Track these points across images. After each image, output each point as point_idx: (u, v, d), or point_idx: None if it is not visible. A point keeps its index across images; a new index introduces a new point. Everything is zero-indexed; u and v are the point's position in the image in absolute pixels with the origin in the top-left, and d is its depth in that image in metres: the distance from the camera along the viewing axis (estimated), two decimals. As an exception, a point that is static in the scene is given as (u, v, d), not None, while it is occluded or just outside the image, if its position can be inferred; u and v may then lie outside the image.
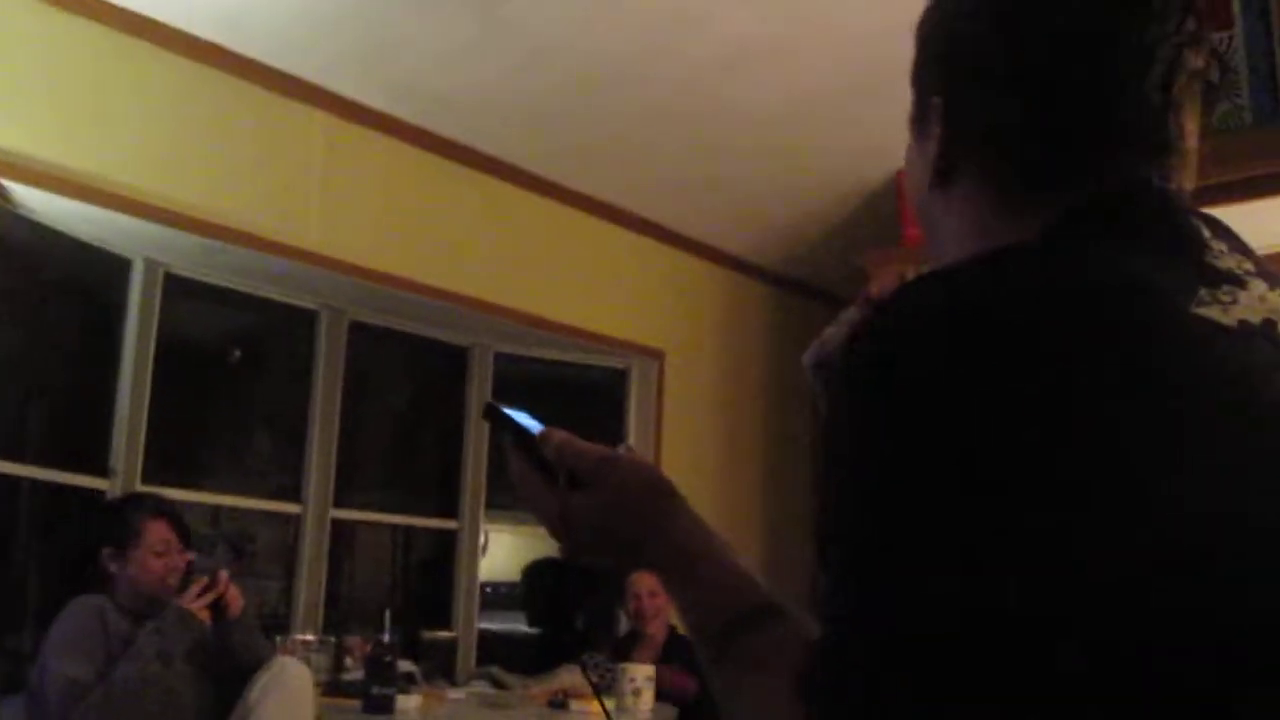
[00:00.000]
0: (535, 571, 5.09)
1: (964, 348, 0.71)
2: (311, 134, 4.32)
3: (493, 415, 1.03)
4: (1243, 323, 0.75)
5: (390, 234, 4.56)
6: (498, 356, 5.36)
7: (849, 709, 0.71)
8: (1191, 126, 0.85)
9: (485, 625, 5.83)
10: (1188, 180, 0.86)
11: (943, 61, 0.91)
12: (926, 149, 0.92)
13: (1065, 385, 0.68)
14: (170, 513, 3.42)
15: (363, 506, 5.06)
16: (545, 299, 5.07)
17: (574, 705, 3.83)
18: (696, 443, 5.60)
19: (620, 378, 5.65)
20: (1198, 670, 0.64)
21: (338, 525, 4.88)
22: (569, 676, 4.13)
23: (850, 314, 1.07)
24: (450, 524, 5.22)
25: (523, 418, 1.03)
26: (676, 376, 5.58)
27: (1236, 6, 1.96)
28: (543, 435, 0.99)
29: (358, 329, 4.89)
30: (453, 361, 5.30)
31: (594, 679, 4.12)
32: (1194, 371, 0.71)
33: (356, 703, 3.60)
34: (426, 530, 5.34)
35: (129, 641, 3.15)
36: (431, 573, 5.39)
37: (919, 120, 0.94)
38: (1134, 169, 0.83)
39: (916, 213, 0.98)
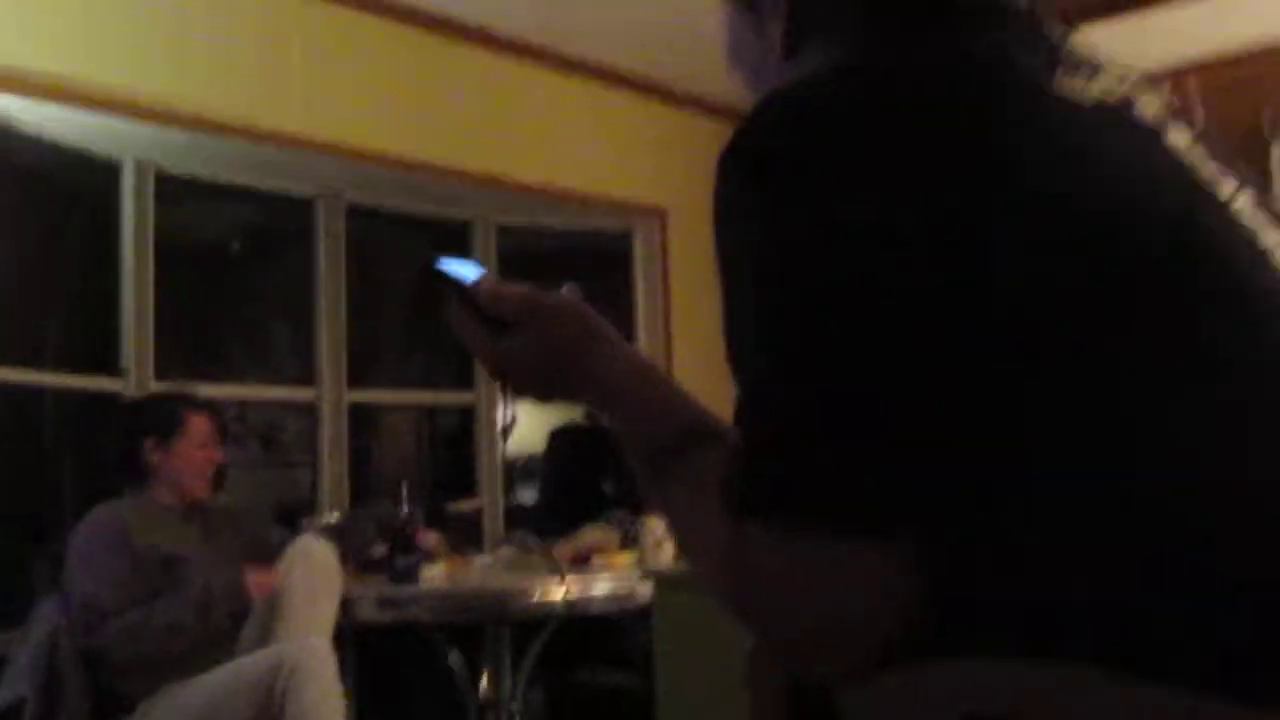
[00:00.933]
0: (557, 438, 5.14)
1: (843, 126, 0.77)
2: (292, 15, 4.27)
3: (429, 271, 1.04)
4: (1099, 100, 0.80)
5: (380, 113, 4.53)
6: (500, 229, 5.35)
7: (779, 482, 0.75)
8: None
9: (519, 500, 5.93)
10: None
11: None
12: (760, 21, 0.97)
13: (935, 149, 0.74)
14: (208, 406, 3.54)
15: (382, 387, 5.12)
16: (542, 167, 5.04)
17: (596, 560, 3.92)
18: (704, 298, 5.58)
19: (624, 240, 5.64)
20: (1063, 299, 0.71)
21: (360, 408, 4.94)
22: (592, 535, 4.20)
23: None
24: (468, 397, 5.27)
25: (461, 268, 1.04)
26: (680, 234, 5.56)
27: None
28: (476, 286, 1.01)
29: (357, 212, 4.88)
30: (455, 237, 5.30)
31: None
32: (1048, 140, 0.76)
33: (383, 577, 3.69)
34: (449, 407, 5.41)
35: (164, 554, 3.23)
36: (456, 447, 5.47)
37: None
38: None
39: (753, 81, 1.02)
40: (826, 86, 0.81)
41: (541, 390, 1.02)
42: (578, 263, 5.73)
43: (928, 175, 0.74)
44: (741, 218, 0.80)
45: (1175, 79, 2.56)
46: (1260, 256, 0.77)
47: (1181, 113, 0.85)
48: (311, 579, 3.23)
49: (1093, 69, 0.82)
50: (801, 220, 0.76)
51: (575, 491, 4.86)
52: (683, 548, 0.92)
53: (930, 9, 0.86)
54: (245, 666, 3.05)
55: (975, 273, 0.72)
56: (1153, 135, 0.81)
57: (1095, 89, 0.80)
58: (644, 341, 5.50)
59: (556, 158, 5.10)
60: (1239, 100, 3.77)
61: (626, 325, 5.58)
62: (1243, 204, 0.80)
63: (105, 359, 4.13)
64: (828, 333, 0.74)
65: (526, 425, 6.20)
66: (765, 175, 0.78)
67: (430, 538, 3.91)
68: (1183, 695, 0.65)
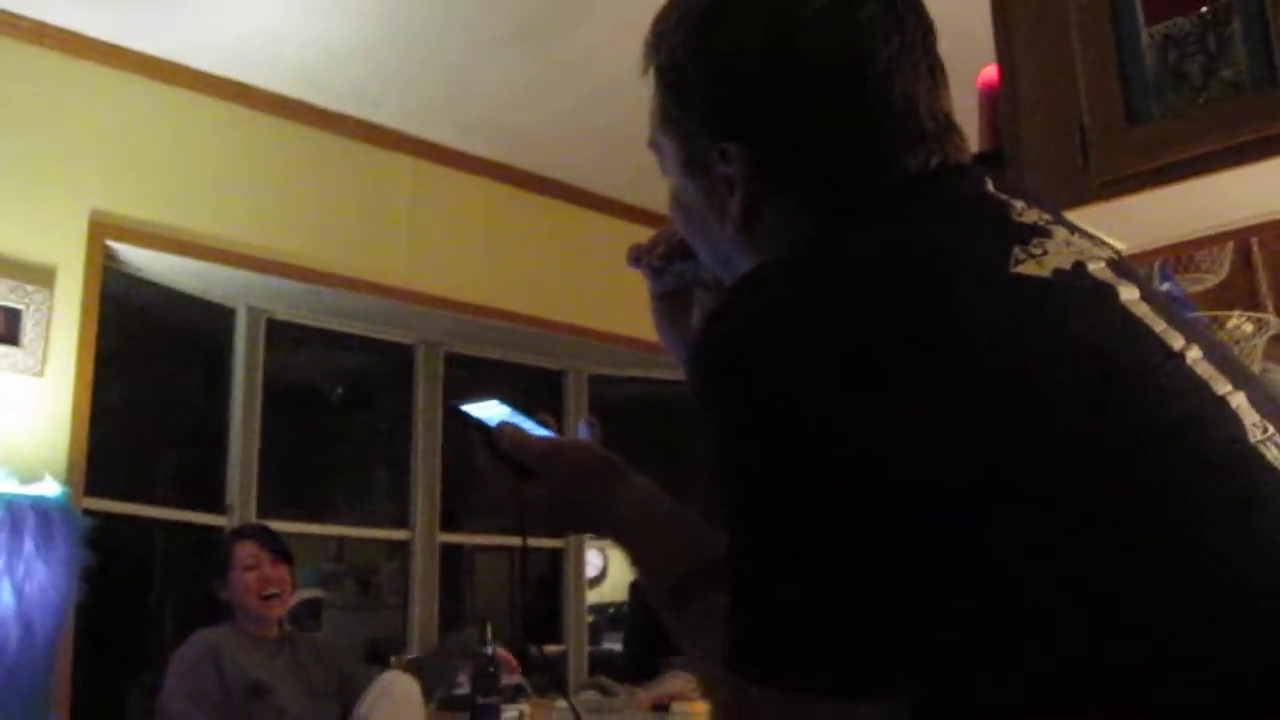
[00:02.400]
0: (639, 587, 5.20)
1: (806, 324, 0.81)
2: (397, 176, 4.53)
3: (453, 415, 1.10)
4: (1057, 270, 0.85)
5: (478, 266, 4.75)
6: (592, 378, 5.51)
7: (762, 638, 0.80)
8: (948, 107, 0.97)
9: (608, 645, 5.95)
10: (965, 153, 0.97)
11: (731, 109, 0.97)
12: (711, 189, 0.99)
13: (904, 348, 0.78)
14: (255, 533, 3.67)
15: (476, 531, 5.25)
16: (632, 319, 5.19)
17: (675, 708, 3.94)
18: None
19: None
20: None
21: (451, 550, 5.06)
22: (673, 682, 4.23)
23: (662, 236, 1.19)
24: (557, 542, 5.36)
25: (485, 410, 1.09)
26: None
27: (1230, -25, 2.02)
28: (497, 431, 1.06)
29: (454, 360, 5.07)
30: (549, 386, 5.46)
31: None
32: (1017, 323, 0.81)
33: (466, 715, 3.76)
34: (540, 551, 5.50)
35: (254, 680, 3.36)
36: (545, 593, 5.55)
37: (691, 163, 1.01)
38: (923, 156, 0.94)
39: (706, 250, 1.06)
40: (784, 280, 0.86)
41: (560, 530, 1.10)
42: (663, 409, 5.84)
43: (887, 365, 0.77)
44: (712, 405, 0.83)
45: (1237, 241, 2.63)
46: (1216, 401, 0.81)
47: (1129, 271, 0.90)
48: (393, 713, 3.31)
49: (1043, 237, 0.87)
50: (764, 411, 0.79)
51: (657, 640, 4.89)
52: (700, 685, 0.99)
53: (881, 194, 0.92)
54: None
55: (937, 451, 0.75)
56: (1107, 293, 0.86)
57: (1050, 262, 0.85)
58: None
59: (646, 311, 5.24)
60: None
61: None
62: (1194, 356, 0.84)
63: (212, 495, 4.32)
64: (791, 515, 0.78)
65: (618, 574, 6.28)
66: (726, 368, 0.82)
67: (509, 659, 3.95)
68: None
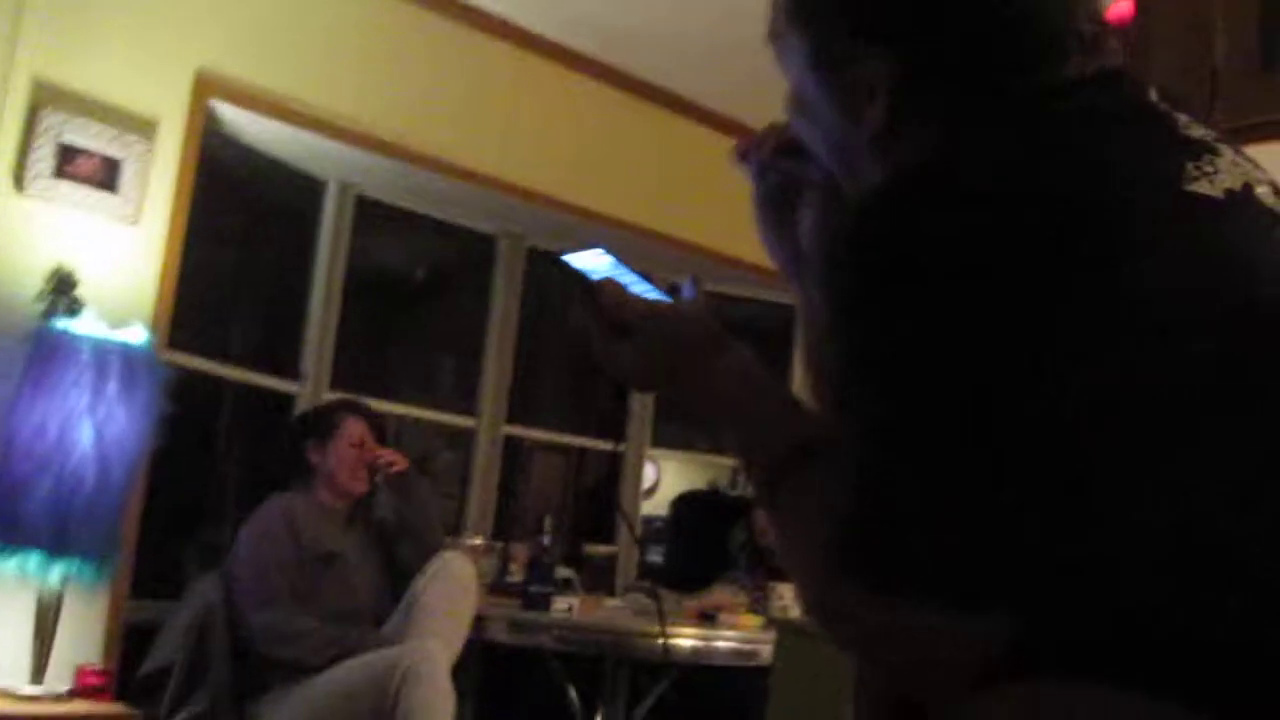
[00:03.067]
0: (683, 503, 5.21)
1: (973, 224, 0.80)
2: (497, 65, 4.51)
3: (558, 266, 1.07)
4: (1229, 190, 0.84)
5: (571, 164, 4.73)
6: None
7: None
8: (1104, 11, 0.95)
9: (653, 557, 6.00)
10: (1120, 58, 0.95)
11: (878, 9, 0.95)
12: (846, 89, 0.96)
13: (1071, 260, 0.78)
14: (368, 413, 3.77)
15: (539, 427, 5.30)
16: (721, 234, 5.17)
17: (724, 618, 3.99)
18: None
19: (789, 313, 5.72)
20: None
21: (513, 444, 5.12)
22: (721, 594, 4.27)
23: (768, 135, 1.16)
24: (617, 447, 5.40)
25: (592, 262, 1.07)
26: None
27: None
28: (600, 287, 1.03)
29: (537, 255, 5.08)
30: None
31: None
32: (1191, 244, 0.81)
33: (517, 600, 3.82)
34: (599, 453, 5.55)
35: (328, 549, 3.44)
36: (600, 494, 5.61)
37: (824, 62, 0.98)
38: (1079, 61, 0.91)
39: (829, 151, 1.03)
40: (952, 179, 0.84)
41: (650, 390, 1.07)
42: (747, 331, 5.81)
43: (1055, 274, 0.77)
44: (873, 302, 0.83)
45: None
46: None
47: None
48: (449, 591, 3.38)
49: (1212, 155, 0.86)
50: (933, 314, 0.79)
51: (701, 557, 4.92)
52: (787, 568, 0.96)
53: (1035, 98, 0.90)
54: (368, 665, 3.20)
55: (1103, 363, 0.76)
56: (1275, 222, 0.86)
57: (1221, 181, 0.84)
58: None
59: (735, 227, 5.21)
60: None
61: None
62: None
63: (286, 363, 4.38)
64: (944, 420, 0.79)
65: (670, 488, 6.31)
66: (897, 266, 0.81)
67: None
68: None
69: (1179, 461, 0.76)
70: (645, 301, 1.03)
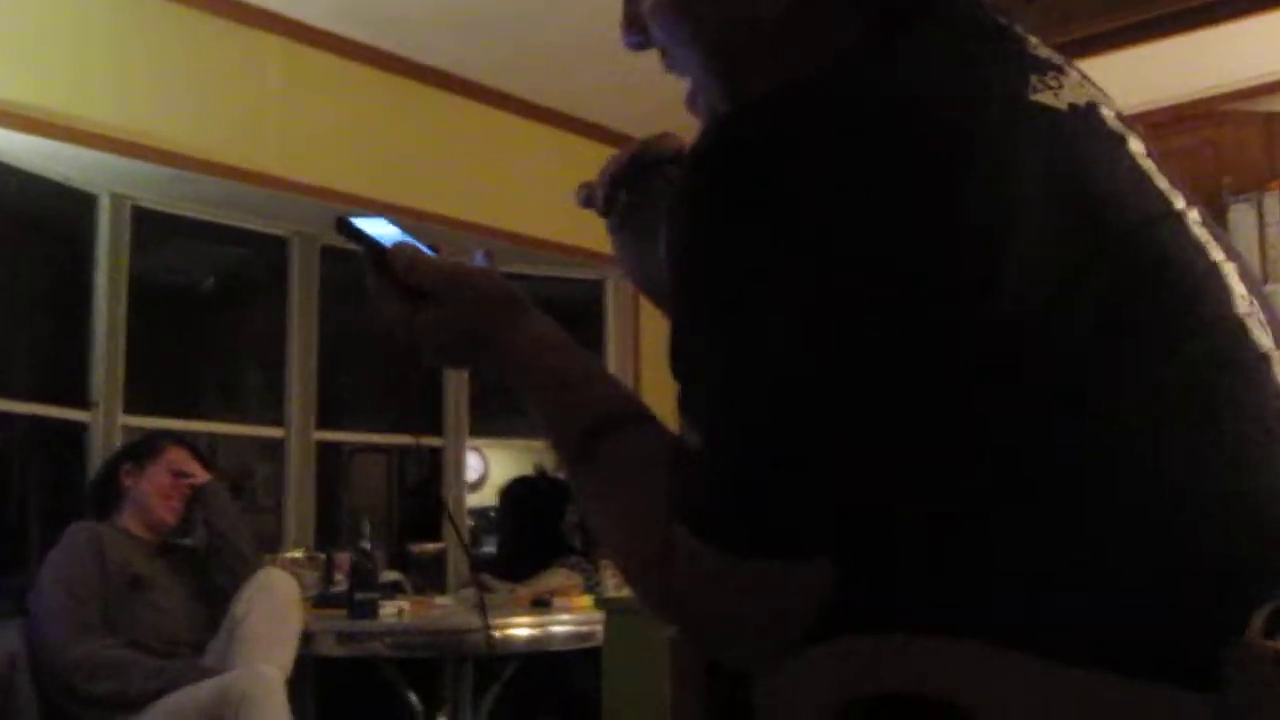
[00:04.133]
0: (514, 489, 5.16)
1: (833, 135, 0.78)
2: (269, 58, 4.34)
3: (345, 230, 1.00)
4: (1072, 105, 0.83)
5: (359, 156, 4.59)
6: (473, 275, 5.39)
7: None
8: None
9: (487, 549, 5.92)
10: None
11: None
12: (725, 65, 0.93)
13: (923, 161, 0.76)
14: (192, 445, 3.66)
15: (354, 429, 5.15)
16: (516, 214, 5.10)
17: (557, 602, 3.93)
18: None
19: (596, 290, 5.70)
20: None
21: (330, 449, 4.96)
22: (553, 578, 4.22)
23: (609, 165, 1.15)
24: (436, 441, 5.29)
25: (379, 229, 1.01)
26: (653, 286, 5.60)
27: None
28: (394, 251, 0.98)
29: (331, 254, 4.92)
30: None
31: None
32: (1032, 150, 0.79)
33: (344, 612, 3.70)
34: (420, 450, 5.43)
35: (134, 573, 3.27)
36: (425, 491, 5.49)
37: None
38: None
39: (711, 73, 0.96)
40: (809, 96, 0.81)
41: (457, 362, 1.02)
42: (550, 310, 5.77)
43: (915, 191, 0.75)
44: (722, 221, 0.79)
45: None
46: (1211, 267, 0.81)
47: (1135, 127, 0.88)
48: (271, 610, 3.25)
49: (1058, 73, 0.85)
50: (785, 237, 0.76)
51: (533, 541, 4.87)
52: (604, 536, 0.92)
53: (900, 17, 0.87)
54: (197, 696, 3.05)
55: (961, 288, 0.74)
56: (1118, 141, 0.84)
57: (1065, 96, 0.83)
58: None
59: (530, 206, 5.16)
60: (1196, 162, 3.86)
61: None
62: (1194, 218, 0.83)
63: (75, 391, 4.14)
64: (799, 360, 0.76)
65: (498, 477, 6.24)
66: (750, 184, 0.78)
67: None
68: (1113, 680, 0.69)
69: (1015, 380, 0.74)
70: (445, 263, 0.98)
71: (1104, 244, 0.77)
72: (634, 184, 1.12)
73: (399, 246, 0.98)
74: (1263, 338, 0.79)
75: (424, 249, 1.00)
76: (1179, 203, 0.83)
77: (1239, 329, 0.78)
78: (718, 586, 0.78)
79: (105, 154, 3.89)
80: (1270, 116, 3.54)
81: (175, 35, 4.07)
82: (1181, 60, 1.98)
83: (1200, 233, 0.82)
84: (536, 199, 5.18)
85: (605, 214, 1.14)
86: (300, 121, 4.41)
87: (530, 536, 4.87)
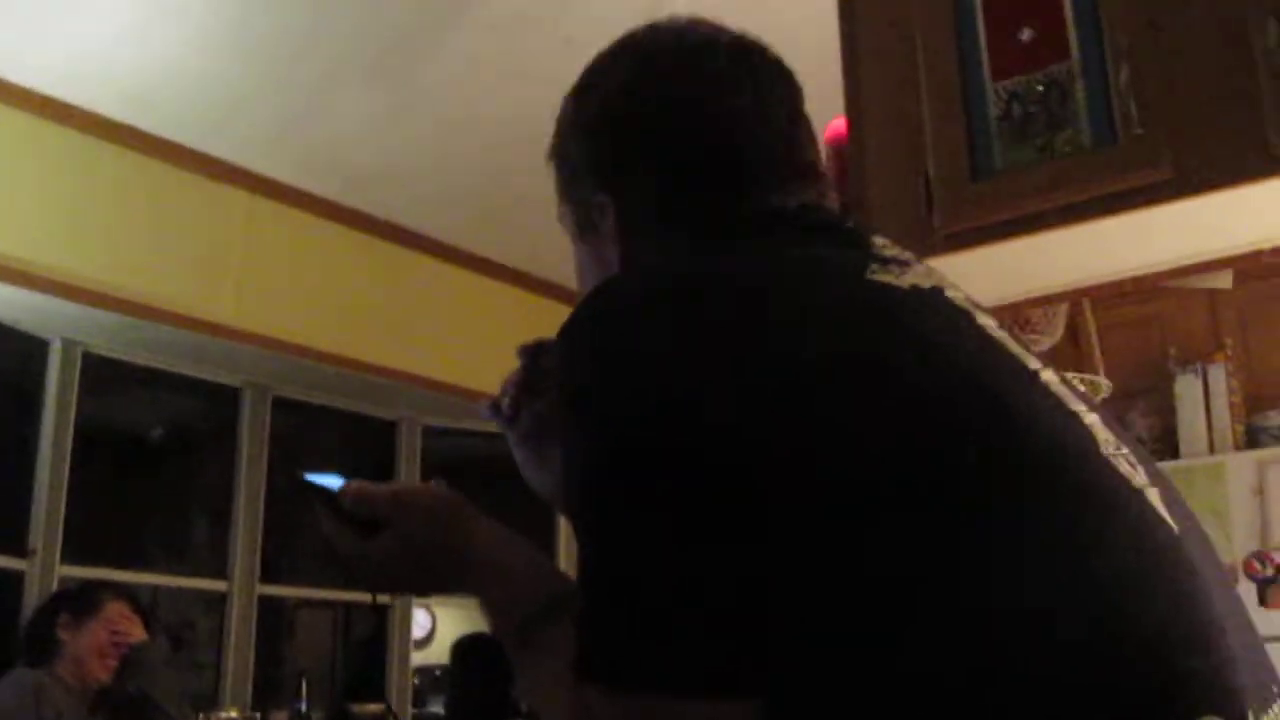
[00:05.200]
0: (465, 646, 5.05)
1: (677, 313, 0.81)
2: (229, 211, 4.37)
3: (295, 484, 1.05)
4: (914, 286, 0.87)
5: (311, 308, 4.60)
6: (426, 430, 5.38)
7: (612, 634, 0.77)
8: (812, 157, 1.03)
9: (433, 708, 5.79)
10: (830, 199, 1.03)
11: (600, 164, 1.04)
12: (598, 247, 1.05)
13: (758, 338, 0.79)
14: (131, 597, 3.51)
15: (299, 583, 5.05)
16: (470, 370, 5.09)
17: (499, 768, 3.82)
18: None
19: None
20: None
21: (273, 604, 4.86)
22: (496, 742, 4.11)
23: (511, 375, 1.20)
24: (384, 600, 5.19)
25: (327, 479, 1.05)
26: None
27: (1073, 37, 2.06)
28: (342, 491, 1.02)
29: (283, 405, 4.90)
30: (382, 436, 5.32)
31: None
32: (867, 320, 0.82)
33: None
34: (366, 608, 5.32)
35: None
36: (372, 648, 5.36)
37: (582, 226, 1.06)
38: (780, 197, 0.98)
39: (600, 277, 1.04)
40: (649, 279, 0.88)
41: (415, 585, 1.05)
42: (501, 468, 5.74)
43: (743, 356, 0.77)
44: (569, 393, 0.84)
45: (1072, 305, 2.68)
46: (1071, 416, 0.82)
47: (987, 309, 0.91)
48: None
49: (902, 265, 0.89)
50: (620, 400, 0.79)
51: (481, 702, 4.76)
52: (540, 706, 0.93)
53: (748, 225, 0.95)
54: None
55: (793, 445, 0.74)
56: (965, 315, 0.87)
57: (907, 279, 0.87)
58: (564, 547, 5.50)
59: (488, 363, 5.13)
60: (1142, 334, 3.93)
61: (546, 532, 5.58)
62: (1049, 378, 0.85)
63: (13, 537, 4.05)
64: (645, 509, 0.77)
65: (446, 635, 6.12)
66: (589, 358, 0.83)
67: None
68: None
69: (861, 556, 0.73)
70: (391, 487, 1.02)
71: (957, 398, 0.78)
72: (538, 390, 1.16)
73: (347, 485, 1.02)
74: (1134, 475, 0.80)
75: (373, 485, 1.04)
76: (1033, 364, 0.86)
77: (1106, 468, 0.79)
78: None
79: (59, 299, 3.88)
80: (1212, 293, 3.62)
81: (135, 184, 4.10)
82: (1121, 239, 2.02)
83: (1058, 389, 0.84)
84: (492, 356, 5.17)
85: (510, 425, 1.17)
86: (258, 273, 4.42)
87: (478, 696, 4.76)
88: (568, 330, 0.85)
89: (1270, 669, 0.79)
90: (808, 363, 0.77)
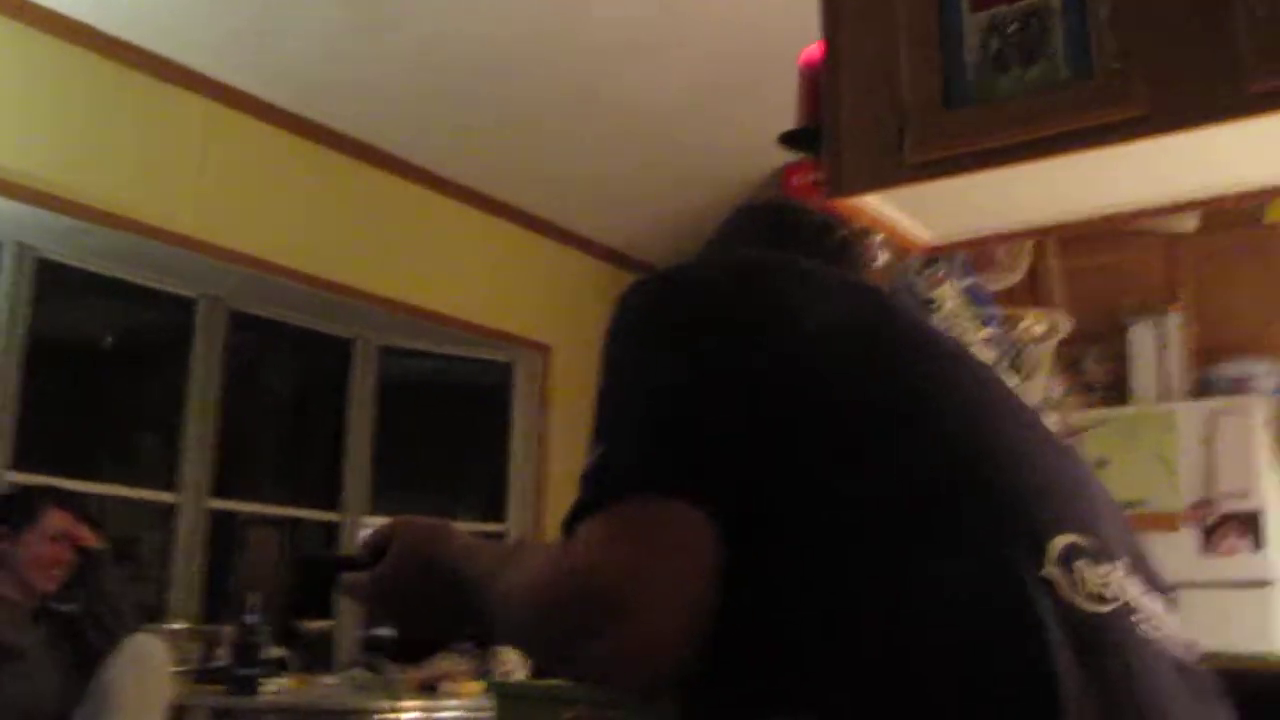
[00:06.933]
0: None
1: (702, 292, 1.06)
2: (190, 119, 4.29)
3: (305, 563, 1.16)
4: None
5: (270, 222, 4.54)
6: (382, 350, 5.35)
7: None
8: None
9: (381, 631, 5.77)
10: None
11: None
12: None
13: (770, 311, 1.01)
14: (72, 504, 3.41)
15: (249, 499, 5.02)
16: (429, 291, 5.07)
17: (445, 687, 3.84)
18: (582, 436, 5.60)
19: (506, 373, 5.67)
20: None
21: (224, 519, 4.83)
22: (444, 664, 4.12)
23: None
24: (332, 516, 5.18)
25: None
26: (562, 372, 5.59)
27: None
28: (343, 554, 1.13)
29: (238, 319, 4.84)
30: (337, 354, 5.28)
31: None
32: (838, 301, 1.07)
33: (222, 687, 3.58)
34: (316, 524, 5.31)
35: (3, 643, 3.12)
36: (321, 568, 5.34)
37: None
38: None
39: None
40: (700, 268, 1.15)
41: (410, 605, 1.14)
42: (457, 390, 5.73)
43: (759, 331, 0.98)
44: (626, 341, 1.04)
45: (1036, 245, 2.69)
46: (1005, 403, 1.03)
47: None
48: (137, 675, 3.12)
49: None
50: (666, 355, 0.99)
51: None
52: (511, 614, 0.98)
53: (770, 239, 1.32)
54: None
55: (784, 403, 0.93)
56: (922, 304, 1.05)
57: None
58: (516, 473, 5.50)
59: (445, 285, 5.13)
60: (1099, 282, 3.95)
61: (500, 457, 5.58)
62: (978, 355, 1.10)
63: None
64: (665, 428, 0.94)
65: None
66: (649, 316, 1.05)
67: None
68: None
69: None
70: (387, 523, 1.18)
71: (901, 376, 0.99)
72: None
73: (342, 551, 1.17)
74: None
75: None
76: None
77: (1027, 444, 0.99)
78: (601, 542, 0.86)
79: (10, 202, 3.80)
80: (1171, 238, 3.65)
81: (88, 85, 4.02)
82: (1091, 177, 2.02)
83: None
84: (450, 278, 5.16)
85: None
86: (216, 183, 4.36)
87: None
88: (642, 289, 1.10)
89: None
90: (797, 354, 0.97)
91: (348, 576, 1.18)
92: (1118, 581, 0.87)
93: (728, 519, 0.86)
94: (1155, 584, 0.93)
